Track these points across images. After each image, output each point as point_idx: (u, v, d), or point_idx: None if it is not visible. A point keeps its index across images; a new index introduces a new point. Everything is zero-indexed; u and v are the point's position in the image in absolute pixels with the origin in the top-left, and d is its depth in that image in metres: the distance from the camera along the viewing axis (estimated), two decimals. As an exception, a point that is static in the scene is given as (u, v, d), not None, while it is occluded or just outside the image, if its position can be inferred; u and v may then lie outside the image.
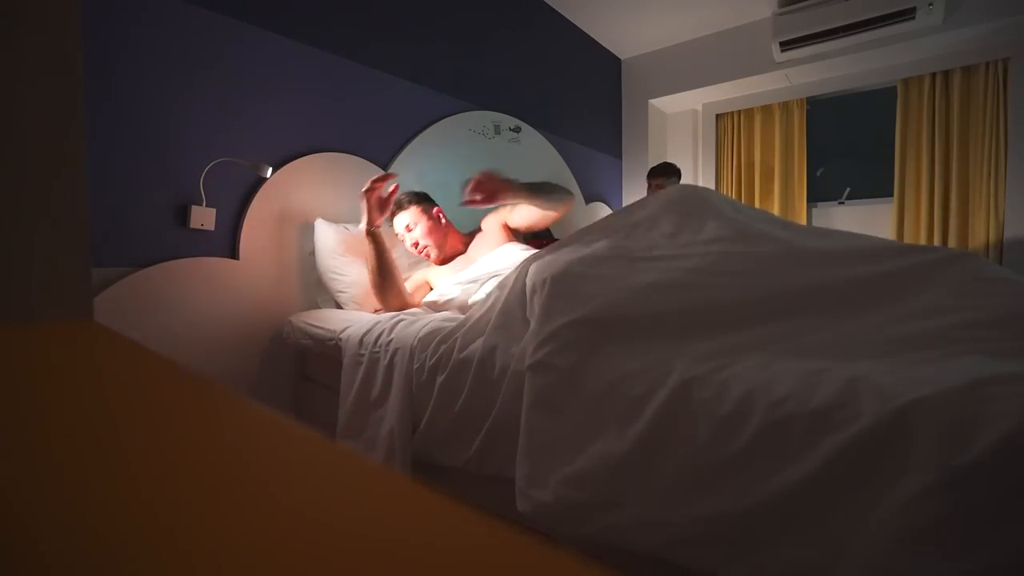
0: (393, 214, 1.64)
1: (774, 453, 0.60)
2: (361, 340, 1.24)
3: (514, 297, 1.04)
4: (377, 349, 1.20)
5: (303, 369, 1.61)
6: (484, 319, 1.07)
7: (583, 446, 0.76)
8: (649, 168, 2.92)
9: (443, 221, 1.67)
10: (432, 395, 1.04)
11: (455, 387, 1.01)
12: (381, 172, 1.56)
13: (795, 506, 0.58)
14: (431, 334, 1.11)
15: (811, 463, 0.57)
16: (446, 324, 1.13)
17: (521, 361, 0.89)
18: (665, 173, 2.77)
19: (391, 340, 1.18)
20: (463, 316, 1.21)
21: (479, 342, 1.00)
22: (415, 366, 1.09)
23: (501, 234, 1.61)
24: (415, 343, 1.12)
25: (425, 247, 1.62)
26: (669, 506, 0.67)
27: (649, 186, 2.85)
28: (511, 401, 0.90)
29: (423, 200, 1.66)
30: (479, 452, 0.95)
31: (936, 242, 2.79)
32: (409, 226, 1.62)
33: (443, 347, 1.06)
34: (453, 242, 1.69)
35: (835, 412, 0.58)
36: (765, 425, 0.61)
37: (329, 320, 1.44)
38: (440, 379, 1.03)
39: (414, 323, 1.21)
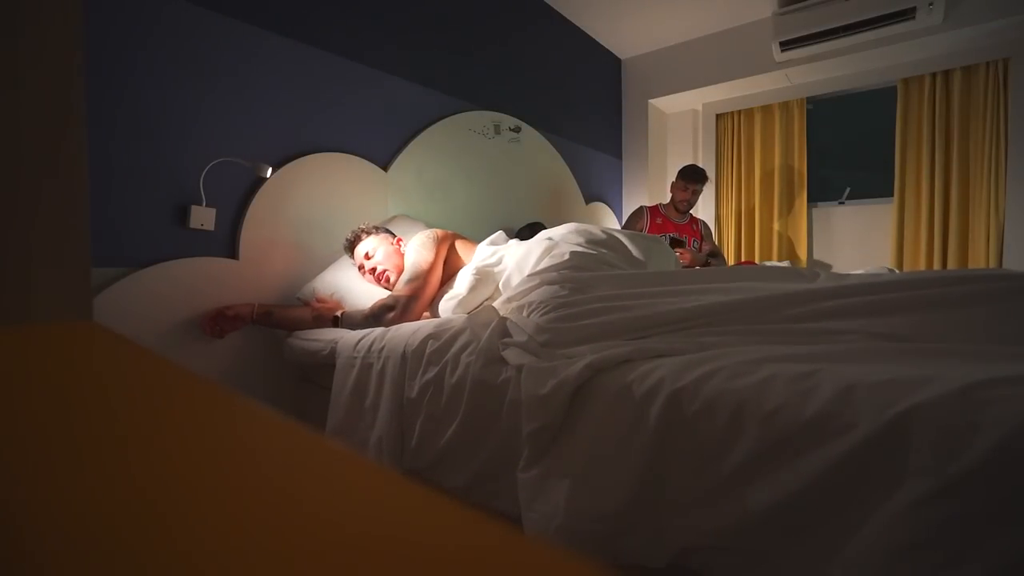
0: (352, 246, 1.58)
1: (772, 466, 0.60)
2: (355, 344, 1.24)
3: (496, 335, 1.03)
4: (370, 354, 1.19)
5: (302, 370, 1.61)
6: (474, 343, 1.04)
7: (587, 477, 0.75)
8: (680, 168, 2.79)
9: (401, 252, 1.59)
10: (420, 418, 1.03)
11: (445, 418, 0.99)
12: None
13: (796, 517, 0.57)
14: (423, 343, 1.10)
15: (809, 474, 0.56)
16: (439, 331, 1.11)
17: (516, 391, 0.89)
18: (697, 179, 2.71)
19: (383, 347, 1.17)
20: (456, 319, 1.21)
21: (471, 371, 0.97)
22: (407, 380, 1.08)
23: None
24: (407, 353, 1.11)
25: (385, 271, 1.52)
26: (677, 521, 0.66)
27: (683, 188, 2.73)
28: (506, 436, 0.89)
29: (384, 231, 1.62)
30: (468, 483, 0.95)
31: (936, 242, 2.79)
32: (369, 253, 1.54)
33: (433, 370, 1.04)
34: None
35: (830, 421, 0.57)
36: (761, 440, 0.61)
37: (323, 333, 1.43)
38: (430, 409, 1.02)
39: (402, 328, 1.21)
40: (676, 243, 2.62)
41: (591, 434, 0.77)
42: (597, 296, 1.04)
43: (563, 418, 0.80)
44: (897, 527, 0.50)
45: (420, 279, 1.41)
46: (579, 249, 1.34)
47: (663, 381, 0.72)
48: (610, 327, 0.93)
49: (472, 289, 1.40)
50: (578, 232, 1.44)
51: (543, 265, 1.31)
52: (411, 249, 1.50)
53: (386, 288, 1.54)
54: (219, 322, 1.40)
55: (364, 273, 1.56)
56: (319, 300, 1.51)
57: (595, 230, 1.47)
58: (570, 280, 1.12)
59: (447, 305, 1.43)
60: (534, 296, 1.10)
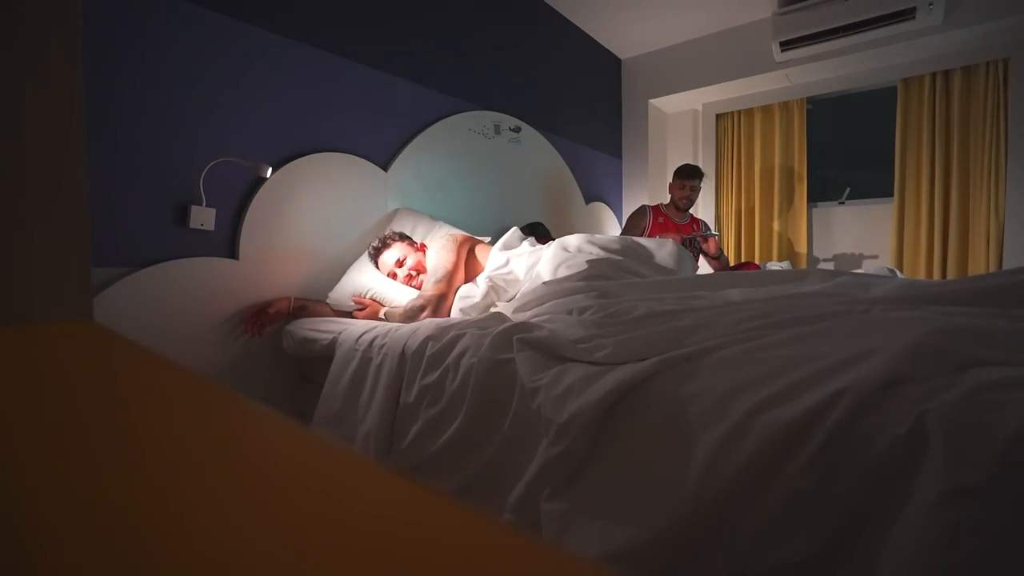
0: (378, 253, 1.67)
1: (823, 489, 0.57)
2: (357, 338, 1.25)
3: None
4: (371, 349, 1.19)
5: (303, 369, 1.61)
6: (478, 345, 1.01)
7: (622, 515, 0.69)
8: (677, 167, 2.78)
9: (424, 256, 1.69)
10: (416, 421, 1.02)
11: (443, 422, 0.98)
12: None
13: (840, 532, 0.56)
14: (423, 344, 1.09)
15: (847, 488, 0.55)
16: (439, 332, 1.10)
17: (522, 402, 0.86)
18: (693, 175, 2.71)
19: (384, 344, 1.18)
20: (456, 321, 1.21)
21: (472, 377, 0.94)
22: (405, 381, 1.08)
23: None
24: (407, 353, 1.10)
25: (420, 274, 1.63)
26: (723, 559, 0.61)
27: (680, 186, 2.73)
28: (505, 446, 0.88)
29: (406, 237, 1.73)
30: (458, 490, 0.93)
31: (936, 242, 2.79)
32: (400, 260, 1.64)
33: (434, 374, 1.02)
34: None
35: (858, 431, 0.56)
36: (812, 466, 0.57)
37: (325, 324, 1.44)
38: (427, 413, 1.01)
39: (402, 327, 1.21)
40: (705, 230, 2.74)
41: (627, 468, 0.71)
42: (630, 299, 1.06)
43: (590, 445, 0.74)
44: (916, 531, 0.49)
45: (446, 280, 1.50)
46: (593, 256, 1.40)
47: (711, 409, 0.66)
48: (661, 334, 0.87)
49: (485, 296, 1.46)
50: (590, 241, 1.52)
51: (559, 275, 1.35)
52: (432, 252, 1.58)
53: (417, 289, 1.62)
54: (262, 320, 1.48)
55: (397, 279, 1.65)
56: (357, 302, 1.57)
57: (606, 238, 1.55)
58: (594, 288, 1.14)
59: (459, 306, 1.46)
60: (566, 304, 1.12)
